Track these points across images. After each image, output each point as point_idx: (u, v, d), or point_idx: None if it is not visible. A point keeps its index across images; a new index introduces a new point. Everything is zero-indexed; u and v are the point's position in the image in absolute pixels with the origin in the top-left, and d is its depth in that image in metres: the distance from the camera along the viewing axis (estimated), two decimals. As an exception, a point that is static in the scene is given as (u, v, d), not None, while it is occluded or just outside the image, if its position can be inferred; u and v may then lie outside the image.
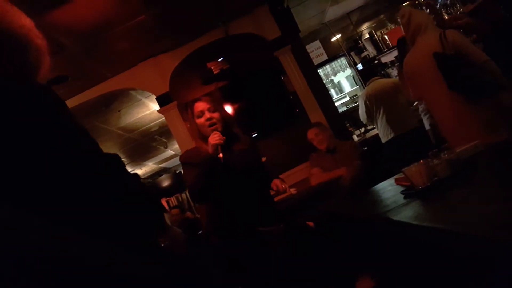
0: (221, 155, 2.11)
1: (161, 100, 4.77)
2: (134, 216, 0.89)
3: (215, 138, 2.11)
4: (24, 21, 0.90)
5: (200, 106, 2.26)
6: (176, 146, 7.95)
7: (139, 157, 9.26)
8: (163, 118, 5.19)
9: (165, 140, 8.59)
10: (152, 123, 7.14)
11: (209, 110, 2.25)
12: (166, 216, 5.77)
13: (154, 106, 6.00)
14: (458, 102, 2.55)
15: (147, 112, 6.45)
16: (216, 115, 2.24)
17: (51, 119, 0.83)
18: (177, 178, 10.03)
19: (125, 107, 5.90)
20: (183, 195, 10.39)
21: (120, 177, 0.91)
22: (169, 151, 9.53)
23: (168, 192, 9.79)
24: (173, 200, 9.44)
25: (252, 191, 2.21)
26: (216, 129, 2.19)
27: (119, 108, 5.85)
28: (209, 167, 2.10)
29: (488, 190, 1.27)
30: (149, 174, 11.72)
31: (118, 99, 5.50)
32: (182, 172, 2.26)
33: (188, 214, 6.04)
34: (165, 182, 9.92)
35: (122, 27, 3.87)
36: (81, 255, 0.77)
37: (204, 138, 2.24)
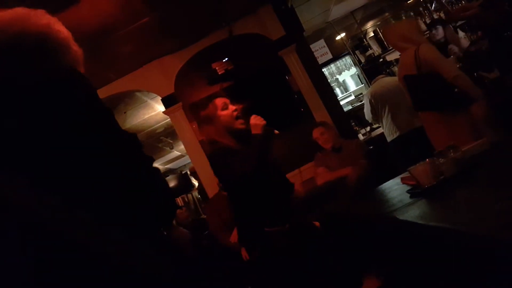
0: (276, 131, 2.20)
1: (166, 101, 4.78)
2: (144, 200, 0.90)
3: (259, 118, 2.19)
4: (62, 29, 1.01)
5: (222, 99, 2.30)
6: (182, 147, 7.96)
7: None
8: (169, 119, 5.21)
9: (171, 141, 8.61)
10: (158, 124, 7.16)
11: (231, 103, 2.29)
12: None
13: (160, 107, 6.02)
14: (431, 116, 2.78)
15: (153, 113, 6.47)
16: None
17: (80, 100, 0.92)
18: (183, 179, 10.04)
19: (130, 109, 5.93)
20: (189, 196, 10.41)
21: (135, 159, 0.93)
22: (175, 152, 9.55)
23: (174, 193, 9.81)
24: (179, 201, 9.46)
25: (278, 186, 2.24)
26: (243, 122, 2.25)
27: (124, 110, 5.87)
28: (265, 144, 2.14)
29: (494, 189, 1.26)
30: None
31: (124, 101, 5.52)
32: (219, 166, 2.20)
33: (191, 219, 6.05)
34: (172, 183, 9.93)
35: (126, 30, 3.88)
36: (88, 239, 0.79)
37: (232, 132, 2.24)
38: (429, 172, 1.56)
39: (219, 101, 2.29)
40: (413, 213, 1.36)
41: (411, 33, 2.90)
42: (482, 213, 1.06)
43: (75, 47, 1.05)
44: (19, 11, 0.97)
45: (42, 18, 0.98)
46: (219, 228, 3.52)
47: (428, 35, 4.61)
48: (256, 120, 2.19)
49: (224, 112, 2.25)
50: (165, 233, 1.06)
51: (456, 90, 2.60)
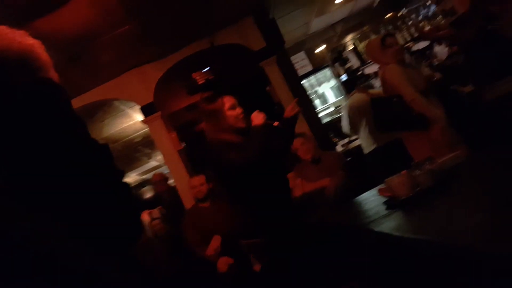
0: (276, 123, 2.27)
1: (145, 110, 4.73)
2: (110, 215, 0.87)
3: (262, 113, 2.29)
4: (44, 53, 1.00)
5: (231, 99, 2.38)
6: (160, 157, 7.86)
7: (122, 168, 9.14)
8: (147, 129, 5.15)
9: (149, 151, 8.51)
10: (136, 134, 7.08)
11: (238, 105, 2.37)
12: (147, 229, 5.65)
13: (138, 117, 5.96)
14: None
15: (131, 122, 6.39)
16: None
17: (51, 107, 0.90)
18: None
19: (108, 118, 5.84)
20: (168, 206, 10.25)
21: (105, 170, 0.91)
22: (153, 162, 9.43)
23: (151, 204, 9.64)
24: (155, 212, 9.30)
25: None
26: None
27: (102, 119, 5.78)
28: (266, 133, 2.21)
29: (470, 201, 1.27)
30: (132, 186, 11.57)
31: (102, 109, 5.43)
32: (219, 159, 2.26)
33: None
34: (148, 193, 9.79)
35: (106, 37, 3.84)
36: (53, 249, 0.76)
37: (234, 130, 2.32)
38: (405, 183, 1.58)
39: (229, 100, 2.37)
40: (389, 225, 1.37)
41: (375, 53, 3.04)
42: (458, 225, 1.06)
43: (53, 72, 1.05)
44: (3, 28, 0.97)
45: (27, 38, 0.98)
46: (196, 241, 3.46)
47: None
48: (259, 114, 2.31)
49: (231, 113, 2.34)
50: (131, 251, 1.03)
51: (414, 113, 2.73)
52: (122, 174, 0.96)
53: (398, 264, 1.31)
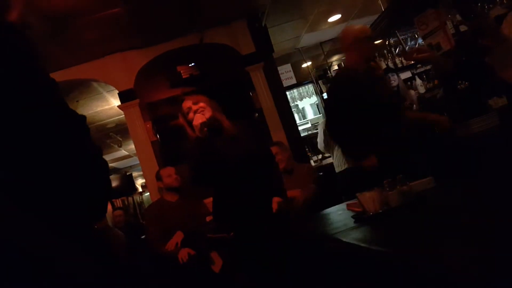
0: (205, 129, 2.20)
1: (123, 96, 4.64)
2: (83, 191, 0.82)
3: (198, 118, 2.21)
4: None
5: (185, 104, 2.35)
6: (131, 146, 7.73)
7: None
8: (122, 116, 5.04)
9: (120, 139, 8.34)
10: (110, 119, 6.93)
11: (194, 103, 2.32)
12: (108, 217, 5.54)
13: (115, 102, 5.84)
14: None
15: (107, 107, 6.25)
16: (202, 104, 2.32)
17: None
18: (126, 180, 9.71)
19: (84, 98, 5.69)
20: (130, 198, 10.09)
21: (81, 143, 0.85)
22: (123, 151, 9.25)
23: (115, 193, 9.44)
24: (118, 202, 9.11)
25: (247, 183, 2.25)
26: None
27: (77, 99, 5.63)
28: (198, 151, 2.19)
29: (432, 223, 1.31)
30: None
31: (78, 88, 5.29)
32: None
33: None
34: (114, 182, 9.58)
35: (94, 16, 3.76)
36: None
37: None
38: (376, 200, 1.60)
39: (184, 106, 2.37)
40: (356, 236, 1.38)
41: None
42: (419, 241, 1.10)
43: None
44: None
45: None
46: (156, 235, 3.39)
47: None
48: (195, 121, 2.27)
49: (189, 117, 2.35)
50: (95, 228, 0.97)
51: None
52: (100, 150, 0.91)
53: (360, 274, 1.33)
